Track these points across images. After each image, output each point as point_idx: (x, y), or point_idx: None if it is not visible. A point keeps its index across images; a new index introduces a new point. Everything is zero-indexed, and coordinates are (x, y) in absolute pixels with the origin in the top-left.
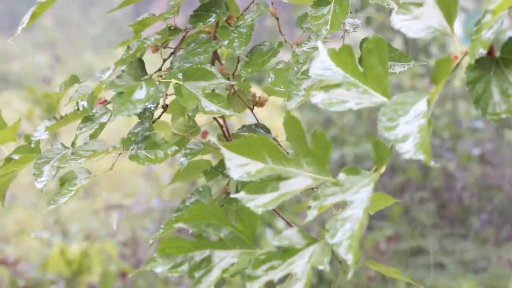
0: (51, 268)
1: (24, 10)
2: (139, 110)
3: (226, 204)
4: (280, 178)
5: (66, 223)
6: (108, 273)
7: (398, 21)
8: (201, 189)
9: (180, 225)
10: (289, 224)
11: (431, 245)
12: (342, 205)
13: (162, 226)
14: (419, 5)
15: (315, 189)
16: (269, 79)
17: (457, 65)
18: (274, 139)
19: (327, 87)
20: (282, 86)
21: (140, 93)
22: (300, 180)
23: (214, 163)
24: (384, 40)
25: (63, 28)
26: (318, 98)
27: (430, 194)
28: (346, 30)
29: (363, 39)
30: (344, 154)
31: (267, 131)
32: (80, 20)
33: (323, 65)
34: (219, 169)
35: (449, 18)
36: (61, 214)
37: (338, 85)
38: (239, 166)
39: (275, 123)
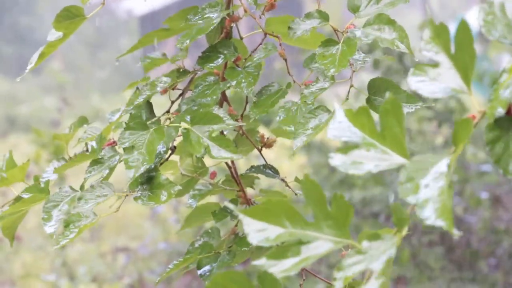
0: None
1: (31, 53)
2: (151, 160)
3: (234, 245)
4: (300, 242)
5: (73, 266)
6: None
7: (415, 82)
8: (210, 230)
9: None
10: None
11: None
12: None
13: (170, 266)
14: (435, 66)
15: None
16: (278, 118)
17: (476, 124)
18: (283, 180)
19: (346, 149)
20: (291, 126)
21: (152, 145)
22: (320, 244)
23: (222, 203)
24: (399, 102)
25: (71, 72)
26: (337, 160)
27: (438, 237)
28: (354, 71)
29: (371, 80)
30: (352, 197)
31: (276, 172)
32: (88, 64)
33: (340, 125)
34: (228, 210)
35: (466, 78)
36: (68, 257)
37: (356, 146)
38: (258, 232)
39: (283, 164)
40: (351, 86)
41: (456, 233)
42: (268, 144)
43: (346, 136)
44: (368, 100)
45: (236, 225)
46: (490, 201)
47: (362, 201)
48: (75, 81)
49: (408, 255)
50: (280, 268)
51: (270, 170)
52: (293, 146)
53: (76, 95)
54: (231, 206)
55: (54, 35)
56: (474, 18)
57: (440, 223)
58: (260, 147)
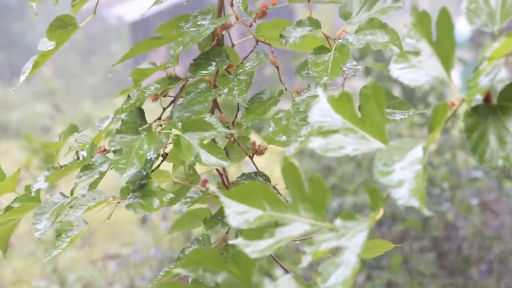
0: None
1: (23, 59)
2: (140, 165)
3: (225, 252)
4: (277, 224)
5: (64, 272)
6: None
7: (396, 69)
8: (200, 237)
9: (178, 270)
10: (287, 272)
11: None
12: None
13: (161, 273)
14: (417, 54)
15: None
16: (270, 129)
17: (454, 112)
18: (274, 187)
19: (325, 133)
20: (283, 136)
21: (142, 149)
22: (297, 226)
23: (213, 211)
24: (381, 86)
25: (62, 78)
26: (315, 143)
27: (430, 243)
28: (345, 78)
29: (363, 87)
30: (343, 203)
31: (267, 179)
32: (79, 70)
33: (322, 111)
34: (219, 217)
35: (447, 66)
36: (58, 264)
37: (336, 131)
38: (238, 214)
39: (274, 171)
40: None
41: (427, 212)
42: (260, 152)
43: (327, 122)
44: (359, 108)
45: (227, 233)
46: (480, 207)
47: (354, 206)
48: (66, 87)
49: (399, 261)
50: (255, 248)
51: (261, 177)
52: (286, 153)
53: (67, 101)
54: (213, 188)
55: (46, 44)
56: (464, 24)
57: (414, 202)
58: (251, 155)
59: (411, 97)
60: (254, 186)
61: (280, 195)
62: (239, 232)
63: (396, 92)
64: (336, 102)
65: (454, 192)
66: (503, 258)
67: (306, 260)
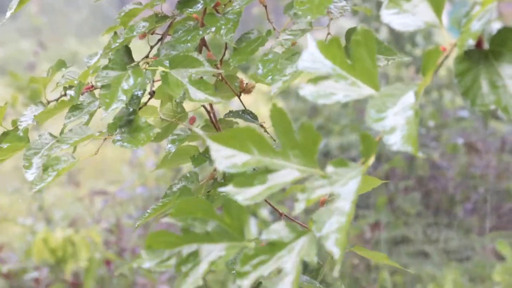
0: (34, 255)
1: None
2: (126, 99)
3: (213, 190)
4: (267, 170)
5: (50, 209)
6: (93, 260)
7: (387, 15)
8: (188, 175)
9: (167, 219)
10: (276, 210)
11: (416, 234)
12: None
13: (148, 210)
14: None
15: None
16: (259, 71)
17: (446, 57)
18: (261, 125)
19: (315, 79)
20: (271, 77)
21: (128, 84)
22: (287, 172)
23: (201, 149)
24: (372, 32)
25: (47, 15)
26: (306, 90)
27: (415, 183)
28: (331, 18)
29: (349, 29)
30: (329, 143)
31: (254, 117)
32: (64, 7)
33: (312, 57)
34: (206, 155)
35: (438, 11)
36: (44, 201)
37: (326, 77)
38: (225, 158)
39: (261, 110)
40: (328, 33)
41: (420, 155)
42: (247, 90)
43: (317, 68)
44: (345, 49)
45: (215, 170)
46: (466, 146)
47: (340, 147)
48: (51, 24)
49: (384, 200)
50: (245, 195)
51: (248, 115)
52: (270, 91)
53: (52, 38)
54: (200, 132)
55: None
56: None
57: (407, 148)
58: (239, 93)
59: (398, 37)
60: (241, 130)
61: (268, 133)
62: (227, 175)
63: (384, 32)
64: (326, 48)
65: (440, 132)
66: (488, 198)
67: (299, 208)
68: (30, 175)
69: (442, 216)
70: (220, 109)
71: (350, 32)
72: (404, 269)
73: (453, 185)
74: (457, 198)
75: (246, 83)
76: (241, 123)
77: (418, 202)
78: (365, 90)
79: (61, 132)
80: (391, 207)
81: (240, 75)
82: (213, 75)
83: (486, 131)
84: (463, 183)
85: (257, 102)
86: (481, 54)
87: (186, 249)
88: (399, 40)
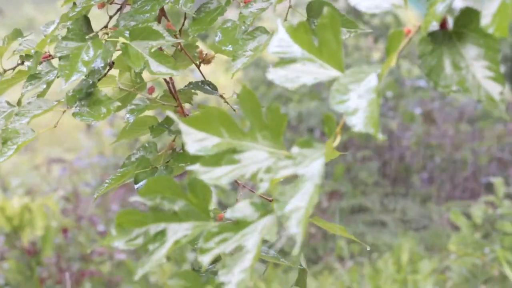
0: None
1: None
2: (86, 71)
3: (171, 160)
4: (235, 151)
5: (7, 177)
6: (50, 228)
7: None
8: (146, 144)
9: (135, 198)
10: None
11: (373, 203)
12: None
13: (107, 180)
14: None
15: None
16: (217, 38)
17: (410, 39)
18: (221, 96)
19: (283, 63)
20: (229, 46)
21: (88, 55)
22: (255, 153)
23: (160, 119)
24: (337, 15)
25: None
26: (274, 74)
27: (373, 153)
28: None
29: (310, 3)
30: (288, 112)
31: (214, 88)
32: None
33: (281, 42)
34: (165, 125)
35: None
36: (1, 169)
37: (294, 61)
38: (196, 141)
39: (220, 79)
40: (290, 7)
41: (381, 137)
42: (207, 60)
43: (286, 52)
44: (308, 22)
45: (173, 140)
46: (423, 116)
47: (298, 116)
48: None
49: (342, 170)
50: (212, 175)
51: (208, 86)
52: (233, 68)
53: (7, 3)
54: (173, 115)
55: None
56: None
57: (368, 129)
58: (198, 63)
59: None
60: (213, 113)
61: (228, 103)
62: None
63: (341, 2)
64: (294, 32)
65: (397, 101)
66: (444, 167)
67: (263, 187)
68: None
69: (400, 185)
70: (178, 79)
71: (310, 6)
72: (361, 242)
73: (410, 154)
74: (414, 167)
75: (206, 53)
76: (200, 94)
77: (376, 172)
78: (332, 72)
79: (19, 102)
80: (348, 176)
81: (200, 44)
82: (172, 45)
83: (443, 101)
84: (420, 153)
85: (216, 72)
86: (445, 35)
87: (154, 228)
88: (357, 11)
